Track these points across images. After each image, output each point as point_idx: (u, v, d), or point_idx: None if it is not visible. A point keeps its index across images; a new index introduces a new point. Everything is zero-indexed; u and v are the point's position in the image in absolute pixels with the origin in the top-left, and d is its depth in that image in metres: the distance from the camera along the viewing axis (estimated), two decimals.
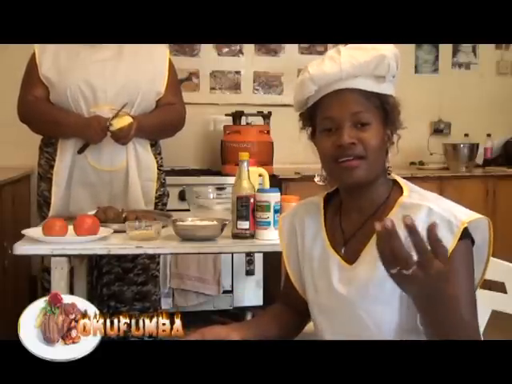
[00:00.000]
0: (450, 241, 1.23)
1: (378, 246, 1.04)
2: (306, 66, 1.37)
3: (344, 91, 1.31)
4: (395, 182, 1.40)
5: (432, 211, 1.27)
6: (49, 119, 2.49)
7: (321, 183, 1.44)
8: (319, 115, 1.35)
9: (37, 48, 2.51)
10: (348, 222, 1.39)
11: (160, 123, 2.57)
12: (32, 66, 2.52)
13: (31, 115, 2.54)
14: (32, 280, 3.63)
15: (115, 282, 2.69)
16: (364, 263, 1.33)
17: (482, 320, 1.60)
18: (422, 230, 1.25)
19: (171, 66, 2.65)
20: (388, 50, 1.33)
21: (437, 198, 1.34)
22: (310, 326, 1.52)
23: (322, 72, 1.32)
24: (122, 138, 2.42)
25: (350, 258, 1.36)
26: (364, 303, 1.31)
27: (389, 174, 1.39)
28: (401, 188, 1.37)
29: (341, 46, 1.36)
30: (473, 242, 1.30)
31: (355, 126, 1.30)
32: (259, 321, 1.54)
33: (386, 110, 1.34)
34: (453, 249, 1.24)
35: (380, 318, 1.30)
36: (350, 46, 1.36)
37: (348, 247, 1.38)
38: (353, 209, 1.39)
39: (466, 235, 1.26)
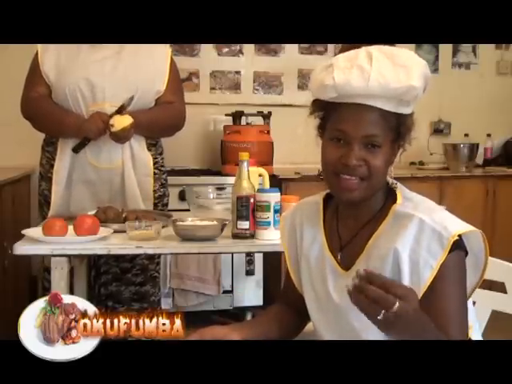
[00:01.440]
0: (439, 254, 1.23)
1: (354, 301, 1.09)
2: (332, 63, 1.28)
3: (363, 107, 1.26)
4: (390, 187, 1.38)
5: (423, 223, 1.25)
6: (50, 118, 2.50)
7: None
8: (332, 121, 1.30)
9: (39, 47, 2.53)
10: (344, 228, 1.39)
11: (155, 120, 2.56)
12: (35, 65, 2.53)
13: (33, 112, 2.54)
14: (32, 280, 3.63)
15: (113, 281, 2.69)
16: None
17: (482, 320, 1.61)
18: (413, 241, 1.25)
19: (173, 65, 2.64)
20: (419, 77, 1.26)
21: (430, 207, 1.32)
22: (309, 326, 1.52)
23: (348, 83, 1.24)
24: (122, 138, 2.42)
25: (346, 264, 1.36)
26: (356, 313, 1.31)
27: (392, 189, 1.36)
28: (395, 194, 1.35)
29: (374, 51, 1.26)
30: (467, 252, 1.29)
31: (365, 146, 1.27)
32: (259, 321, 1.54)
33: (399, 130, 1.30)
34: (442, 262, 1.23)
35: (371, 326, 1.30)
36: (383, 51, 1.27)
37: (344, 253, 1.37)
38: (349, 216, 1.38)
39: (457, 247, 1.25)
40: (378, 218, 1.33)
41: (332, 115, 1.30)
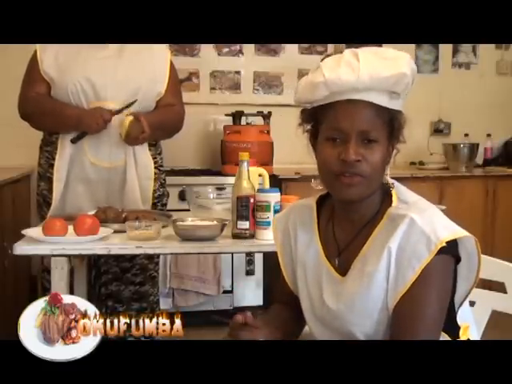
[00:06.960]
0: (424, 257, 1.22)
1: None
2: (320, 65, 1.29)
3: (356, 102, 1.25)
4: (386, 189, 1.36)
5: (414, 222, 1.24)
6: (51, 113, 2.49)
7: (319, 187, 1.42)
8: (326, 122, 1.29)
9: (38, 46, 2.52)
10: (341, 232, 1.37)
11: (160, 123, 2.57)
12: (33, 64, 2.53)
13: (33, 110, 2.53)
14: (32, 280, 3.63)
15: (113, 281, 2.69)
16: (352, 276, 1.32)
17: (482, 320, 1.61)
18: (402, 238, 1.24)
19: (172, 67, 2.65)
20: (408, 66, 1.27)
21: (424, 208, 1.30)
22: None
23: (338, 78, 1.24)
24: (132, 139, 2.46)
25: (343, 269, 1.34)
26: (353, 318, 1.30)
27: (389, 189, 1.35)
28: (391, 197, 1.34)
29: (358, 50, 1.28)
30: (459, 259, 1.29)
31: (362, 141, 1.26)
32: (267, 320, 1.44)
33: (393, 125, 1.30)
34: (427, 264, 1.22)
35: (368, 330, 1.29)
36: (367, 50, 1.29)
37: (341, 258, 1.35)
38: (346, 219, 1.36)
39: (445, 251, 1.23)
40: (373, 221, 1.32)
41: (325, 117, 1.29)
